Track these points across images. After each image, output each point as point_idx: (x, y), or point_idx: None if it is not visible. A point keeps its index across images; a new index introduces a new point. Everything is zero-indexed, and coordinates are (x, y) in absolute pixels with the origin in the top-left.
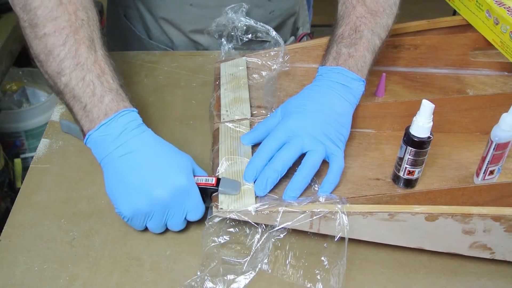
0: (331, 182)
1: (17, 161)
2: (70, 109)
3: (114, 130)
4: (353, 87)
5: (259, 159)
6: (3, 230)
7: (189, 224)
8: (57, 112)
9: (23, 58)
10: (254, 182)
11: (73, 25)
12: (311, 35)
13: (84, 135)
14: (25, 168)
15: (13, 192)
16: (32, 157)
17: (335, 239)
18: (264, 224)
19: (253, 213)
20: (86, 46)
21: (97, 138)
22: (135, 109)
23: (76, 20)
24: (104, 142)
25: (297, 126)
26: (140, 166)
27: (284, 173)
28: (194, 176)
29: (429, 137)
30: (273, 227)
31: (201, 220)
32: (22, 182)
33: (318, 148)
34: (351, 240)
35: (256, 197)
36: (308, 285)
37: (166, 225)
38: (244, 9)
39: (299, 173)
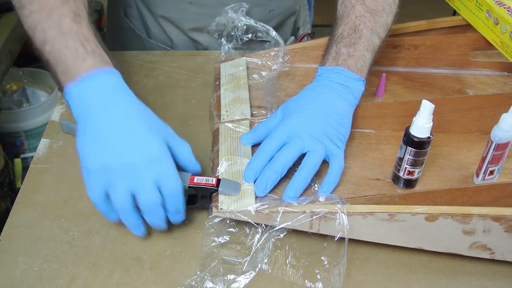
0: (331, 183)
1: (17, 161)
2: (55, 76)
3: (94, 86)
4: (353, 87)
5: (259, 160)
6: (3, 230)
7: (189, 224)
8: (57, 112)
9: (23, 58)
10: (254, 182)
11: (58, 1)
12: (312, 35)
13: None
14: (25, 168)
15: (13, 192)
16: (32, 157)
17: (335, 239)
18: (264, 224)
19: (253, 213)
20: (70, 18)
21: (74, 92)
22: (118, 72)
23: None
24: (81, 97)
25: (297, 127)
26: (116, 125)
27: (284, 173)
28: (195, 176)
29: (429, 137)
30: (273, 227)
31: (201, 220)
32: (22, 182)
33: (318, 148)
34: (351, 240)
35: (256, 197)
36: (308, 285)
37: (132, 195)
38: (244, 9)
39: (299, 173)
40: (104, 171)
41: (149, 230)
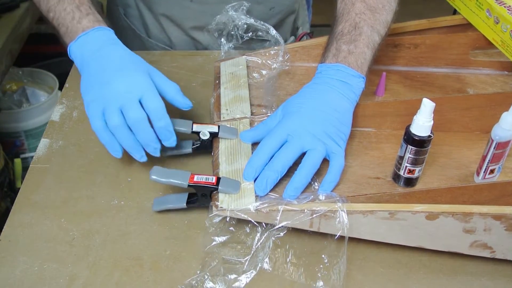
0: (331, 181)
1: (17, 161)
2: (60, 37)
3: (90, 41)
4: (353, 84)
5: (258, 158)
6: (3, 230)
7: (189, 224)
8: (57, 112)
9: (23, 58)
10: (254, 181)
11: None
12: (311, 35)
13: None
14: (25, 168)
15: (13, 192)
16: (32, 157)
17: (335, 238)
18: (264, 223)
19: (253, 211)
20: None
21: (74, 49)
22: (111, 29)
23: None
24: (80, 52)
25: (296, 125)
26: (106, 66)
27: (285, 172)
28: (195, 174)
29: (429, 136)
30: (273, 226)
31: (201, 220)
32: (22, 182)
33: (318, 147)
34: (351, 240)
35: (256, 196)
36: (309, 283)
37: (121, 112)
38: (245, 8)
39: (299, 172)
40: (99, 100)
41: (150, 230)
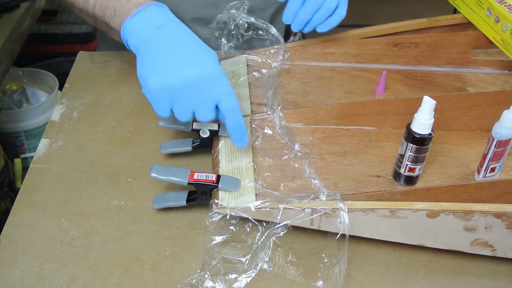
0: (333, 23)
1: (17, 161)
2: (106, 25)
3: (150, 17)
4: None
5: (294, 4)
6: (3, 230)
7: (189, 224)
8: (57, 112)
9: (23, 58)
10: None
11: None
12: (305, 35)
13: (119, 34)
14: (25, 168)
15: (13, 192)
16: (32, 157)
17: (336, 237)
18: (265, 222)
19: (253, 210)
20: None
21: (132, 27)
22: (165, 4)
23: None
24: (137, 29)
25: None
26: (173, 47)
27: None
28: (195, 172)
29: (430, 134)
30: (274, 225)
31: (201, 220)
32: (22, 182)
33: None
34: (351, 240)
35: (256, 194)
36: (309, 283)
37: (193, 113)
38: (246, 6)
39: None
40: (169, 91)
41: (149, 230)
